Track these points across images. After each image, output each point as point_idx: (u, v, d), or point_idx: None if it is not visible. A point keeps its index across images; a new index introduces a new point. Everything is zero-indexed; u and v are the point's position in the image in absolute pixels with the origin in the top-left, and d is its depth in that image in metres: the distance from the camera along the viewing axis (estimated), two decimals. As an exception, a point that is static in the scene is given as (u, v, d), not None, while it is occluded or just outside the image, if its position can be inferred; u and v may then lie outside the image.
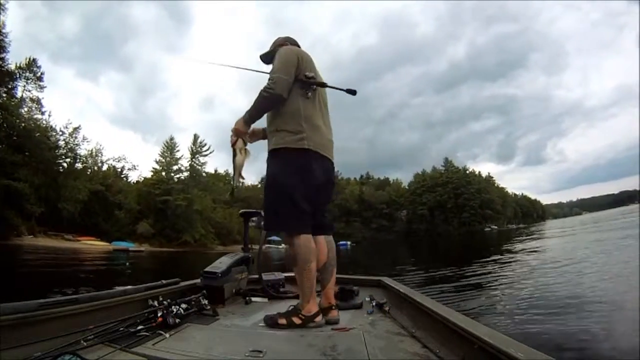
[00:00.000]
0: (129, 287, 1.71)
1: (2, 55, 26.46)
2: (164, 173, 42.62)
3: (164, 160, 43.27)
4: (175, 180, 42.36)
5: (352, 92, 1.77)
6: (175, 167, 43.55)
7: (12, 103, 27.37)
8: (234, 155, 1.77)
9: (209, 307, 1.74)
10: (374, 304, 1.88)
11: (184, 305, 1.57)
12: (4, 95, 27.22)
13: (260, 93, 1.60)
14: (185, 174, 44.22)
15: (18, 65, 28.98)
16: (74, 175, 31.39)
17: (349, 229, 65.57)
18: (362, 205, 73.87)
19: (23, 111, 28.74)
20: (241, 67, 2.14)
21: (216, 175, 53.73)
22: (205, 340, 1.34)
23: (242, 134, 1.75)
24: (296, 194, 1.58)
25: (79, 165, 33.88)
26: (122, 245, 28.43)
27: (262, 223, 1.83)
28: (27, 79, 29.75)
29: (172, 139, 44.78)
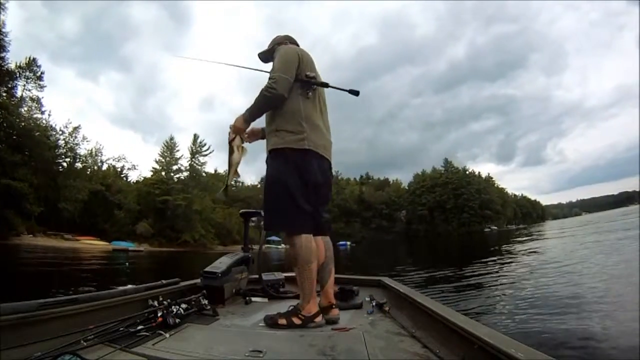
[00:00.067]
0: (129, 287, 1.71)
1: (2, 55, 26.50)
2: (163, 173, 42.64)
3: (163, 160, 43.27)
4: (175, 180, 42.36)
5: (355, 93, 1.75)
6: (175, 167, 43.62)
7: (12, 102, 27.38)
8: (231, 152, 1.76)
9: (209, 307, 1.74)
10: (374, 304, 1.88)
11: (184, 305, 1.57)
12: (4, 94, 27.22)
13: (261, 92, 1.59)
14: (185, 174, 44.26)
15: (18, 64, 29.04)
16: (73, 175, 31.40)
17: (349, 229, 65.62)
18: (361, 206, 73.90)
19: (23, 111, 28.79)
20: (241, 66, 2.14)
21: (216, 175, 53.65)
22: (205, 340, 1.34)
23: (241, 131, 1.74)
24: (296, 194, 1.58)
25: (78, 165, 33.96)
26: (122, 245, 28.37)
27: (262, 223, 1.83)
28: (27, 79, 29.81)
29: (172, 138, 44.97)
